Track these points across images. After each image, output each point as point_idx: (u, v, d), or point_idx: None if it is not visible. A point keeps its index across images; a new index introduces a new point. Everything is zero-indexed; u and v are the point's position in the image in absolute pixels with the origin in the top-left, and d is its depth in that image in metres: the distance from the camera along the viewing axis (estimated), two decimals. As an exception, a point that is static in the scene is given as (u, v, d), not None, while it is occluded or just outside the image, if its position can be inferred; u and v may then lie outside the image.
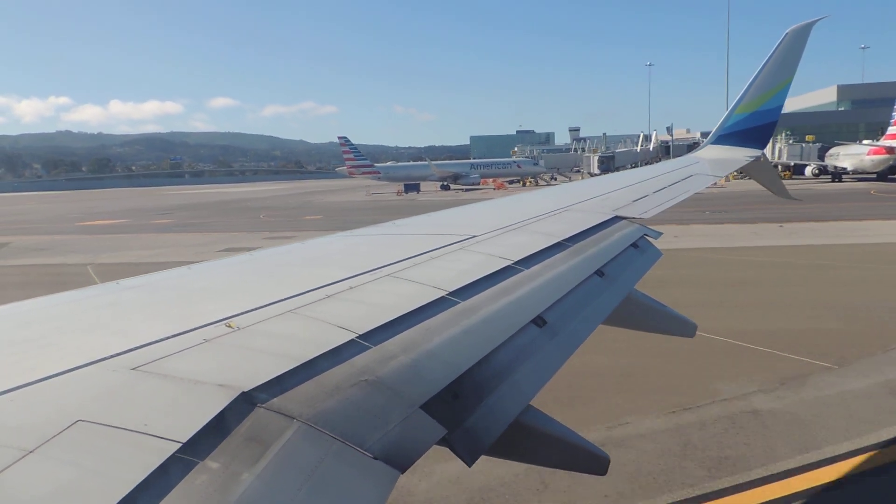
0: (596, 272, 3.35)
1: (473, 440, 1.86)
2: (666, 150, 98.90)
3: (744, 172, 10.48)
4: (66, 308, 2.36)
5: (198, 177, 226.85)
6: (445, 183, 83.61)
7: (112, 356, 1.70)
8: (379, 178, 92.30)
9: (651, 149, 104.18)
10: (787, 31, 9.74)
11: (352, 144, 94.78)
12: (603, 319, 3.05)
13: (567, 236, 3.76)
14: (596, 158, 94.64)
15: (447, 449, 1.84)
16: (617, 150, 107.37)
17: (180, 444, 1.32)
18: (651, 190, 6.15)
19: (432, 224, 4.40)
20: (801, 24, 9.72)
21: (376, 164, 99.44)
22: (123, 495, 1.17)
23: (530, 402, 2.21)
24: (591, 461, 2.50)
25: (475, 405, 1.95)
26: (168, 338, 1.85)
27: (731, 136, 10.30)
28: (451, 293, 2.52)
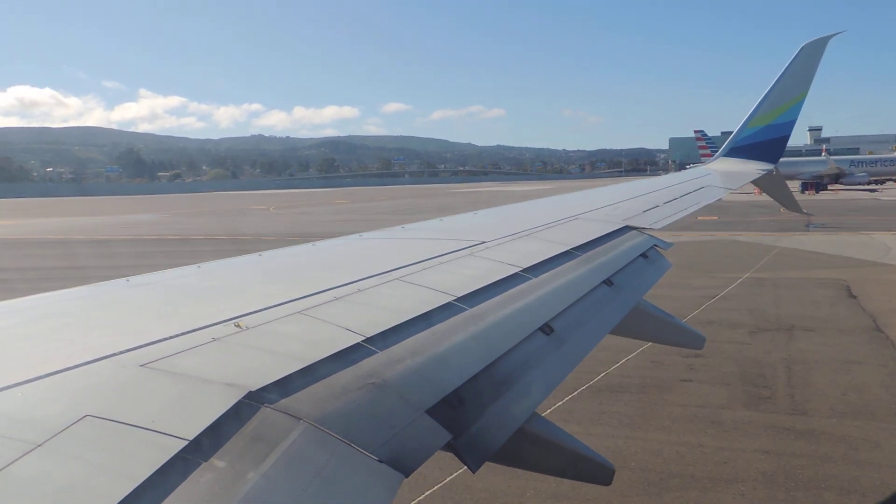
0: (604, 281, 3.34)
1: (478, 446, 1.85)
2: None
3: (757, 186, 10.46)
4: (75, 304, 2.38)
5: (416, 177, 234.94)
6: (824, 181, 69.02)
7: (121, 352, 1.70)
8: None
9: None
10: (802, 45, 9.71)
11: (709, 139, 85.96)
12: (611, 329, 3.04)
13: (576, 245, 3.75)
14: None
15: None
16: None
17: (187, 442, 1.33)
18: (661, 201, 6.13)
19: (442, 229, 4.40)
20: (816, 39, 9.69)
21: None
22: (129, 491, 1.17)
23: (536, 410, 2.20)
24: (597, 471, 2.49)
25: (481, 411, 1.95)
26: (177, 336, 1.86)
27: (743, 149, 10.28)
28: (458, 299, 2.52)
